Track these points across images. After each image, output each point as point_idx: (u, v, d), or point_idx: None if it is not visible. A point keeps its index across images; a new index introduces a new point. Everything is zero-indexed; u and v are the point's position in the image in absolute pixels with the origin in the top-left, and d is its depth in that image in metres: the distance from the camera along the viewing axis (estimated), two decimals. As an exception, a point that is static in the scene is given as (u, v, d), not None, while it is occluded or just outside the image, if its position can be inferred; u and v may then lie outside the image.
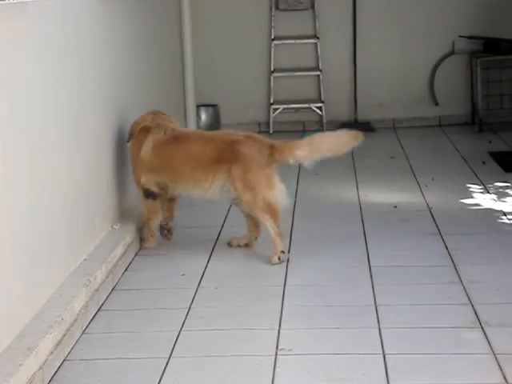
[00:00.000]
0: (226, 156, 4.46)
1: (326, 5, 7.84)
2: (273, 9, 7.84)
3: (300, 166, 6.47)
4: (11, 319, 3.24)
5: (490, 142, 7.14)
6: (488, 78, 7.70)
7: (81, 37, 4.27)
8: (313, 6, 7.82)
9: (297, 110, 7.88)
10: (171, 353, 3.41)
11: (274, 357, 3.34)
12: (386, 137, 7.60)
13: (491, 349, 3.35)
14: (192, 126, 7.17)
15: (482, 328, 3.54)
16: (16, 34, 3.41)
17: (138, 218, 4.83)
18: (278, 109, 7.84)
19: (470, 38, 7.76)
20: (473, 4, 7.81)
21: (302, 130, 7.81)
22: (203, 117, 7.69)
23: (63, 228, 3.87)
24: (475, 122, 7.77)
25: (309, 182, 6.06)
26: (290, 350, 3.41)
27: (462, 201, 5.45)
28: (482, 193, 5.62)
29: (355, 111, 7.92)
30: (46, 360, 3.22)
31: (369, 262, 4.37)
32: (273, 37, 7.85)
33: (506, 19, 7.67)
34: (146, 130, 4.62)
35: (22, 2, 3.30)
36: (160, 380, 3.20)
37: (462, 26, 7.79)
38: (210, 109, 7.76)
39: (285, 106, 7.84)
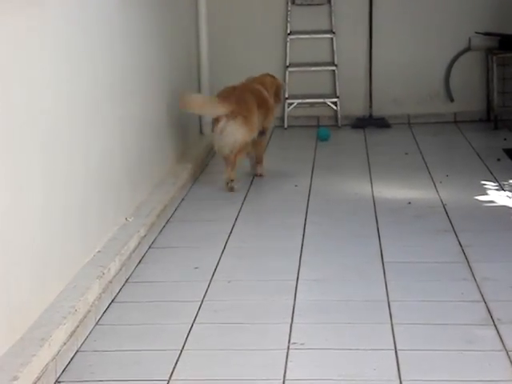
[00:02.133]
0: None
1: (342, 0, 7.82)
2: (289, 3, 7.83)
3: (314, 162, 6.51)
4: (25, 310, 3.26)
5: (505, 139, 7.11)
6: (504, 74, 7.68)
7: (97, 28, 4.28)
8: (329, 1, 7.82)
9: (311, 104, 7.87)
10: (183, 345, 3.43)
11: (286, 351, 3.35)
12: (401, 133, 7.58)
13: (504, 346, 3.34)
14: (207, 119, 7.19)
15: (495, 325, 3.53)
16: (33, 23, 3.42)
17: (152, 211, 4.85)
18: (292, 103, 7.84)
19: (486, 34, 7.74)
20: (489, 1, 7.78)
21: (316, 125, 7.80)
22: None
23: (77, 220, 3.89)
24: (490, 118, 7.74)
25: (323, 178, 6.06)
26: (303, 344, 3.42)
27: (477, 198, 5.44)
28: (496, 190, 5.60)
29: (370, 106, 7.91)
30: (59, 351, 3.24)
31: (382, 257, 4.38)
32: (289, 31, 7.85)
33: (522, 16, 7.64)
34: None
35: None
36: (172, 372, 3.21)
37: (478, 23, 7.76)
38: (225, 103, 7.76)
39: (299, 101, 7.84)
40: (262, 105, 5.92)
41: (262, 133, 5.98)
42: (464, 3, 7.78)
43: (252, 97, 5.83)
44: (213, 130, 5.80)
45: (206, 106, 5.88)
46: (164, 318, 3.71)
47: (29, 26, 3.37)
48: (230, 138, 5.64)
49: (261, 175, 6.06)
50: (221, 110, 5.67)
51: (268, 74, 6.27)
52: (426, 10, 7.80)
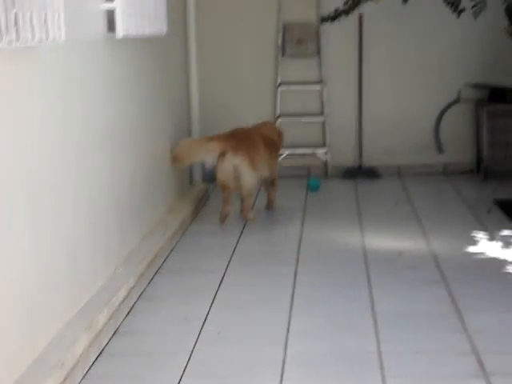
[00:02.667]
0: None
1: (332, 51, 7.90)
2: (279, 55, 7.90)
3: (304, 212, 6.51)
4: (12, 362, 3.22)
5: (495, 190, 7.13)
6: (494, 126, 7.73)
7: (87, 81, 4.30)
8: (318, 53, 7.89)
9: (302, 155, 7.89)
10: (172, 398, 3.38)
11: (276, 404, 3.31)
12: (391, 183, 7.61)
13: (496, 399, 3.32)
14: (197, 169, 7.21)
15: (487, 377, 3.50)
16: (24, 76, 3.44)
17: (141, 261, 4.82)
18: (282, 154, 7.85)
19: (475, 86, 7.81)
20: (479, 53, 7.87)
21: (306, 175, 7.81)
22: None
23: (65, 270, 3.86)
24: (480, 170, 7.78)
25: (313, 227, 6.05)
26: (293, 397, 3.37)
27: (467, 248, 5.43)
28: (487, 241, 5.60)
29: (360, 157, 7.94)
30: (46, 404, 3.19)
31: (373, 308, 4.35)
32: (279, 82, 7.91)
33: (511, 68, 7.72)
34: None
35: (31, 46, 3.33)
36: (160, 426, 3.17)
37: (468, 75, 7.84)
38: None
39: (289, 152, 7.86)
40: (270, 146, 6.38)
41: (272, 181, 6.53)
42: (454, 55, 7.87)
43: (259, 138, 6.26)
44: (218, 165, 6.04)
45: (195, 147, 6.11)
46: (153, 370, 3.66)
47: (18, 72, 3.38)
48: (246, 184, 6.08)
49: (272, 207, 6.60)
50: (212, 146, 5.98)
51: (269, 122, 6.79)
52: (416, 61, 7.88)
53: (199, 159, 6.24)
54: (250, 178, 6.04)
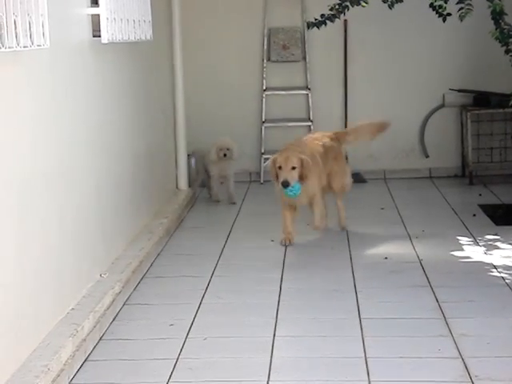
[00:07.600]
0: None
1: (317, 57, 7.92)
2: (265, 60, 7.91)
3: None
4: (-4, 369, 3.20)
5: (480, 194, 7.16)
6: (478, 131, 7.77)
7: (73, 86, 4.29)
8: (304, 58, 7.90)
9: (288, 160, 7.88)
10: (158, 405, 3.37)
11: (262, 410, 3.31)
12: (377, 188, 7.62)
13: (482, 403, 3.32)
14: (183, 174, 7.20)
15: (472, 382, 3.51)
16: (9, 80, 3.42)
17: (127, 267, 4.81)
18: (268, 159, 7.85)
19: (459, 91, 7.84)
20: (463, 58, 7.90)
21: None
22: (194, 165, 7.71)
23: (51, 277, 3.85)
24: (465, 174, 7.81)
25: (298, 233, 6.04)
26: (279, 402, 3.37)
27: (453, 253, 5.45)
28: (472, 245, 5.61)
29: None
30: (31, 411, 3.18)
31: (359, 313, 4.35)
32: (264, 88, 7.91)
33: (495, 73, 7.76)
34: None
35: (15, 50, 3.32)
36: (146, 433, 3.16)
37: (452, 80, 7.87)
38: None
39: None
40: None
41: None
42: (438, 60, 7.90)
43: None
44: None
45: None
46: (139, 377, 3.65)
47: (2, 76, 3.37)
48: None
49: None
50: None
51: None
52: (401, 68, 7.91)
53: None
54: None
